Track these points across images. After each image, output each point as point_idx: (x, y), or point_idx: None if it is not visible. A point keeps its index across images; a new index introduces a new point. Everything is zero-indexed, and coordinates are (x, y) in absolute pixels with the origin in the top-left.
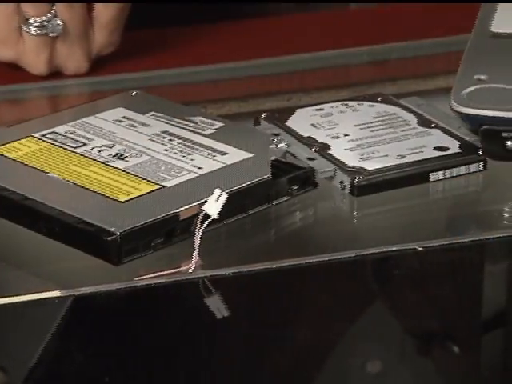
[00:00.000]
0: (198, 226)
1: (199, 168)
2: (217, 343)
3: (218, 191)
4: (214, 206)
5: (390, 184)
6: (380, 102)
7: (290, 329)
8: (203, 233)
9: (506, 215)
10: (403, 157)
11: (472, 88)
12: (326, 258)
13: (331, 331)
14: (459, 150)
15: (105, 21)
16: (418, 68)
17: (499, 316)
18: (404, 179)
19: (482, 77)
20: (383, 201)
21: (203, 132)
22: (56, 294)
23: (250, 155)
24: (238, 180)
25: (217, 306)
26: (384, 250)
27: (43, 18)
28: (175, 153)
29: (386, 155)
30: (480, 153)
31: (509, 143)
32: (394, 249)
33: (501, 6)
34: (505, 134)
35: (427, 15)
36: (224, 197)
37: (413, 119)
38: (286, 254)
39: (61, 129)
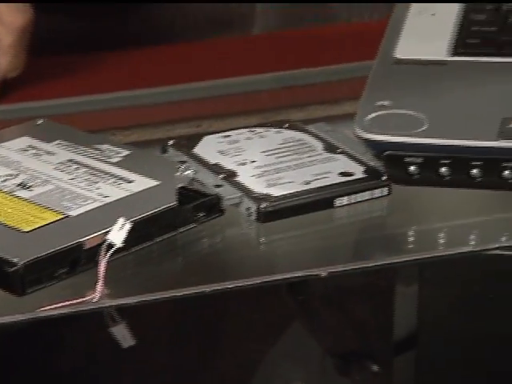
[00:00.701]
0: (102, 255)
1: (105, 196)
2: (123, 373)
3: (121, 220)
4: (117, 234)
5: (296, 210)
6: (287, 128)
7: (198, 355)
8: (109, 261)
9: (411, 239)
10: (309, 183)
11: (375, 114)
12: (233, 285)
13: (240, 357)
14: (364, 176)
15: (7, 44)
16: (325, 93)
17: (406, 339)
18: (309, 205)
19: (385, 103)
20: (289, 227)
21: (110, 160)
22: None
23: (157, 183)
24: (144, 208)
25: (122, 335)
26: (289, 276)
27: None
28: (81, 181)
29: (292, 181)
30: (384, 178)
31: (411, 168)
32: (299, 274)
33: (404, 33)
34: (407, 159)
35: (334, 41)
36: (128, 225)
37: (319, 145)
38: (192, 282)
39: None
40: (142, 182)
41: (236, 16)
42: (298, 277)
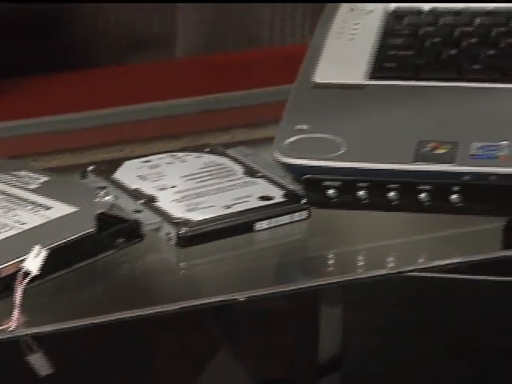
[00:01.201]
0: (19, 282)
1: (22, 224)
2: None
3: (37, 247)
4: (33, 262)
5: (216, 234)
6: (207, 152)
7: (120, 382)
8: (26, 289)
9: (331, 262)
10: (229, 207)
11: (293, 138)
12: (153, 311)
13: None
14: (283, 199)
15: None
16: (248, 117)
17: (331, 361)
18: (229, 229)
19: (304, 127)
20: (210, 251)
21: (28, 186)
22: None
23: (75, 209)
24: (61, 235)
25: (40, 363)
26: (209, 300)
27: None
28: None
29: (212, 206)
30: (303, 201)
31: (330, 191)
32: (218, 299)
33: (323, 57)
34: (326, 183)
35: (257, 64)
36: (43, 253)
37: (239, 169)
38: (112, 308)
39: None
40: (60, 209)
41: (157, 40)
42: (217, 302)
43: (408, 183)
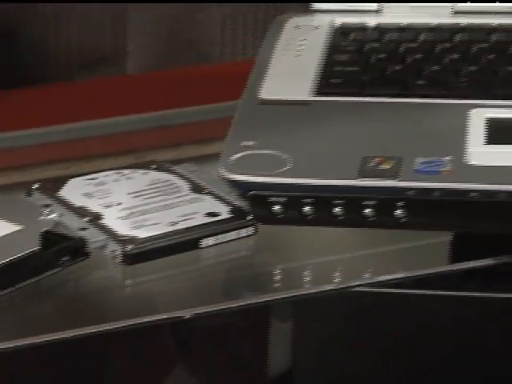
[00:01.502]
0: None
1: None
2: None
3: None
4: None
5: (162, 252)
6: (154, 169)
7: None
8: None
9: (277, 277)
10: (175, 224)
11: (239, 154)
12: (97, 329)
13: None
14: (230, 216)
15: None
16: (197, 133)
17: (281, 377)
18: (175, 246)
19: (250, 143)
20: (156, 268)
21: None
22: None
23: (19, 227)
24: (6, 253)
25: None
26: (154, 318)
27: None
28: None
29: (158, 223)
30: (249, 217)
31: (276, 207)
32: (164, 317)
33: (270, 73)
34: (271, 199)
35: (205, 80)
36: None
37: (185, 186)
38: (57, 327)
39: None
40: (4, 227)
41: (107, 56)
42: (163, 319)
43: (353, 199)
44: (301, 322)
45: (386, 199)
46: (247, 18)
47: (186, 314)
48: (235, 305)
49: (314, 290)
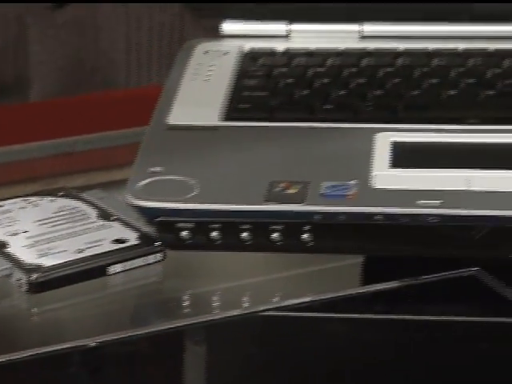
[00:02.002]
0: None
1: None
2: None
3: None
4: None
5: (68, 279)
6: (61, 196)
7: None
8: None
9: (187, 303)
10: (82, 251)
11: (147, 180)
12: (2, 359)
13: None
14: (137, 242)
15: None
16: (106, 159)
17: None
18: (82, 274)
19: (157, 169)
20: (63, 296)
21: None
22: None
23: None
24: None
25: None
26: (58, 347)
27: None
28: None
29: (65, 250)
30: (157, 243)
31: (183, 233)
32: (68, 346)
33: (178, 98)
34: (179, 225)
35: (113, 106)
36: None
37: (93, 213)
38: None
39: None
40: None
41: (11, 83)
42: (69, 348)
43: (260, 223)
44: (214, 347)
45: (292, 223)
46: (153, 43)
47: (92, 342)
48: (143, 331)
49: (222, 316)
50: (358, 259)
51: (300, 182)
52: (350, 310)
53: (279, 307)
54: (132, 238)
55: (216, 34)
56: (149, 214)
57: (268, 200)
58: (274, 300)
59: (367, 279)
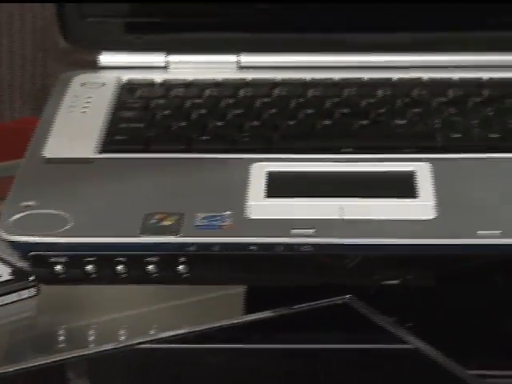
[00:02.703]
0: None
1: None
2: None
3: None
4: None
5: None
6: None
7: None
8: None
9: (62, 338)
10: None
11: (19, 215)
12: None
13: None
14: (11, 277)
15: None
16: None
17: None
18: None
19: (31, 203)
20: None
21: None
22: None
23: None
24: None
25: None
26: None
27: None
28: None
29: None
30: (32, 278)
31: (57, 267)
32: None
33: (54, 131)
34: (52, 259)
35: None
36: None
37: None
38: None
39: None
40: None
41: None
42: None
43: (135, 256)
44: (92, 381)
45: (167, 255)
46: (25, 76)
47: None
48: (17, 367)
49: (98, 350)
50: (235, 289)
51: (175, 214)
52: (227, 341)
53: (155, 340)
54: (5, 273)
55: (93, 66)
56: (21, 249)
57: (143, 232)
58: (151, 332)
59: (244, 309)
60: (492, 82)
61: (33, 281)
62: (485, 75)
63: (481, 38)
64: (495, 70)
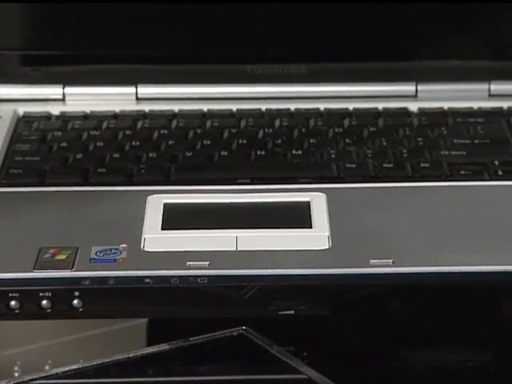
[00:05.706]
0: None
1: None
2: None
3: None
4: None
5: None
6: None
7: None
8: None
9: None
10: None
11: None
12: None
13: None
14: None
15: None
16: None
17: None
18: None
19: None
20: None
21: None
22: None
23: None
24: None
25: None
26: None
27: None
28: None
29: None
30: None
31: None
32: None
33: None
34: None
35: None
36: None
37: None
38: None
39: None
40: None
41: None
42: None
43: (29, 291)
44: None
45: (62, 290)
46: None
47: None
48: None
49: None
50: (132, 322)
51: (70, 248)
52: (123, 375)
53: (48, 376)
54: None
55: None
56: None
57: (36, 267)
58: (45, 368)
59: (141, 342)
60: (386, 112)
61: None
62: (380, 105)
63: (375, 68)
64: (389, 100)
